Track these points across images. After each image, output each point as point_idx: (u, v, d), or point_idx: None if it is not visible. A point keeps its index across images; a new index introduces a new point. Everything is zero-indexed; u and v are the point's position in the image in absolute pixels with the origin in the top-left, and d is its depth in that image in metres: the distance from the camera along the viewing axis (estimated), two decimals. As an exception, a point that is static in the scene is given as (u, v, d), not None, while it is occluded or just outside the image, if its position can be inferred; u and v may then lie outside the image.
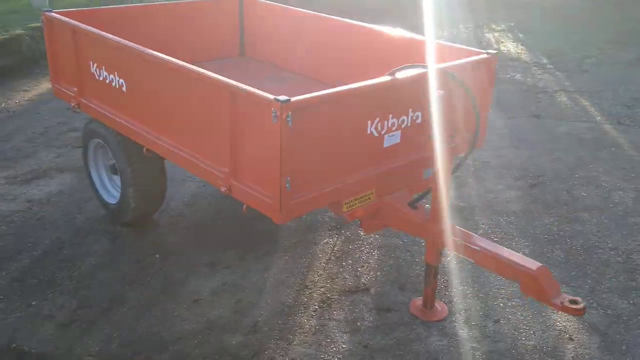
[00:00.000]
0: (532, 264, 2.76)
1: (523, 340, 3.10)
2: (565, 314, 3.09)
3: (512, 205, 4.52)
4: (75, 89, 3.95)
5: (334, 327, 3.17)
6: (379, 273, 3.65)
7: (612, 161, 5.40)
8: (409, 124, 3.14)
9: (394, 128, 3.07)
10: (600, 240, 4.05)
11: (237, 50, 5.11)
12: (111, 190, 4.24)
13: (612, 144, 5.81)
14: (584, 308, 2.64)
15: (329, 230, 4.13)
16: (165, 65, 3.13)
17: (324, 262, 3.75)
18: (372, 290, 3.49)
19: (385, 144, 3.08)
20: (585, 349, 3.04)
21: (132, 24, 4.38)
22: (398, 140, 3.12)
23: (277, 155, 2.59)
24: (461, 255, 3.00)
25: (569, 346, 3.06)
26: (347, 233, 4.08)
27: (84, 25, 3.74)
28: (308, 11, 4.67)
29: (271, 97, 2.54)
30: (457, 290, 3.48)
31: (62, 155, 5.31)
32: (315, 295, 3.44)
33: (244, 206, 2.96)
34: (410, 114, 3.13)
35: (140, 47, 3.30)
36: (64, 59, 4.02)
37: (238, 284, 3.53)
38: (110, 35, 3.51)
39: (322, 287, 3.51)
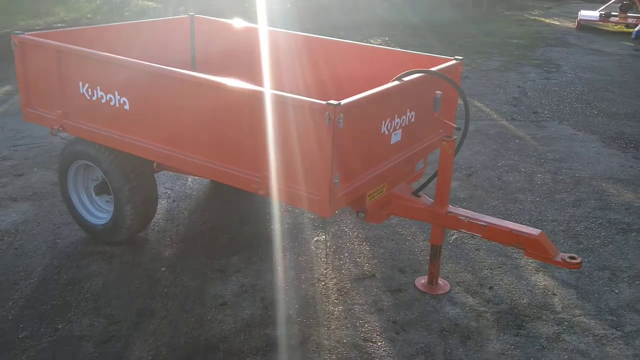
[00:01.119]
0: (534, 231, 3.30)
1: (517, 300, 3.64)
2: (544, 273, 3.68)
3: (459, 193, 5.12)
4: (58, 111, 3.91)
5: (360, 310, 3.50)
6: (376, 261, 4.03)
7: (522, 151, 6.24)
8: (407, 123, 3.57)
9: (397, 127, 3.48)
10: (541, 215, 4.75)
11: (189, 65, 5.24)
12: (94, 212, 4.22)
13: (515, 137, 6.68)
14: (581, 262, 3.22)
15: (314, 229, 4.44)
16: (196, 82, 3.28)
17: (324, 257, 4.06)
18: (378, 276, 3.86)
19: (392, 141, 3.48)
20: (568, 300, 3.65)
21: (87, 43, 4.35)
22: (400, 138, 3.54)
23: (329, 154, 2.89)
24: (467, 232, 3.47)
25: (555, 299, 3.65)
26: (332, 230, 4.42)
27: (74, 46, 3.75)
28: (253, 25, 4.99)
29: (323, 102, 2.84)
30: (448, 268, 3.95)
31: (6, 184, 5.09)
32: (330, 285, 3.74)
33: (284, 205, 3.21)
34: (408, 113, 3.57)
35: (161, 65, 3.41)
36: (41, 82, 3.97)
37: (255, 284, 3.73)
38: (117, 56, 3.58)
39: (333, 278, 3.82)
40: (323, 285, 3.75)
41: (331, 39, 4.73)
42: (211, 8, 11.08)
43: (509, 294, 3.69)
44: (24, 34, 3.97)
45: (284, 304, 3.55)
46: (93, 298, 3.57)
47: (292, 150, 3.06)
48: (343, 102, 2.86)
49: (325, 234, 4.35)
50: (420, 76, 3.48)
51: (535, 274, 3.92)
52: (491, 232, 3.40)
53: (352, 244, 4.24)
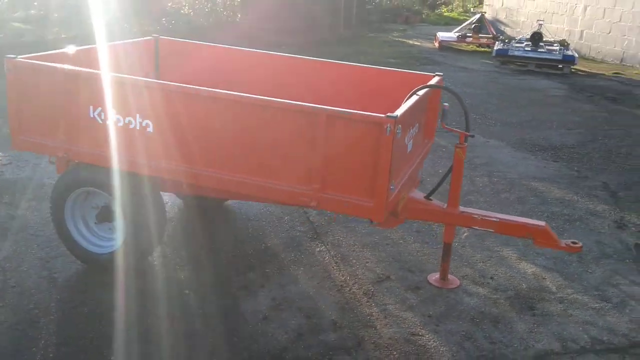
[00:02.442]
0: (540, 223, 3.80)
1: (518, 285, 4.12)
2: (529, 261, 4.22)
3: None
4: (62, 137, 3.75)
5: (394, 309, 3.77)
6: (384, 264, 4.31)
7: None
8: (414, 134, 3.93)
9: (410, 138, 3.82)
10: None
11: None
12: (95, 241, 4.06)
13: (440, 146, 7.30)
14: (582, 246, 3.76)
15: (310, 241, 4.62)
16: (240, 101, 3.37)
17: (335, 265, 4.26)
18: (392, 277, 4.15)
19: (408, 150, 3.81)
20: (557, 282, 4.19)
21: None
22: (411, 148, 3.88)
23: (388, 163, 3.16)
24: (479, 228, 3.88)
25: (547, 282, 4.18)
26: (328, 240, 4.63)
27: (85, 69, 3.65)
28: (217, 45, 5.11)
29: (382, 115, 3.11)
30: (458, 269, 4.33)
31: (-41, 222, 4.68)
32: (355, 290, 3.96)
33: (334, 215, 3.40)
34: (416, 125, 3.93)
35: (205, 88, 3.45)
36: (39, 107, 3.78)
37: (285, 296, 3.85)
38: (144, 78, 3.55)
39: (354, 283, 4.04)
40: (349, 290, 3.95)
41: (296, 57, 4.98)
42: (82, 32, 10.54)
43: (509, 282, 4.16)
44: (17, 57, 3.76)
45: (322, 311, 3.71)
46: (127, 327, 3.47)
47: (346, 161, 3.27)
48: (398, 114, 3.14)
49: (324, 245, 4.54)
50: (428, 90, 3.85)
51: (519, 262, 4.44)
52: (502, 227, 3.83)
53: (354, 251, 4.48)
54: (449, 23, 24.60)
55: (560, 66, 13.38)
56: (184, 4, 15.77)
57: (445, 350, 3.38)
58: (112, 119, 3.63)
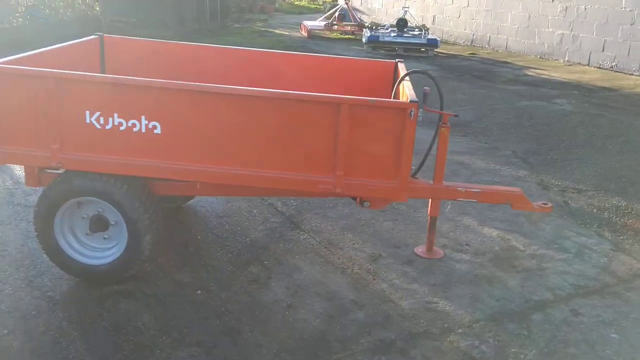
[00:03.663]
0: (515, 189, 4.26)
1: (491, 248, 4.58)
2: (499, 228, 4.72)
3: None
4: (54, 146, 3.53)
5: (401, 282, 4.04)
6: (370, 244, 4.56)
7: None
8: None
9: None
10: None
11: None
12: (89, 253, 3.86)
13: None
14: (552, 206, 4.28)
15: (292, 230, 4.73)
16: (258, 96, 3.41)
17: (327, 251, 4.43)
18: (384, 255, 4.41)
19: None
20: (520, 241, 4.71)
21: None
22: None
23: (411, 145, 3.41)
24: (463, 200, 4.25)
25: (513, 242, 4.69)
26: (307, 227, 4.77)
27: (83, 72, 3.47)
28: (163, 41, 5.04)
29: (407, 100, 3.35)
30: (423, 238, 4.67)
31: None
32: (357, 270, 4.16)
33: (357, 199, 3.59)
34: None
35: (210, 84, 3.43)
36: (23, 116, 3.52)
37: (298, 284, 3.95)
38: (152, 79, 3.45)
39: (353, 264, 4.24)
40: (352, 271, 4.15)
41: (241, 49, 5.07)
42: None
43: (483, 246, 4.60)
44: (-6, 64, 3.46)
45: (338, 293, 3.87)
46: (162, 333, 3.40)
47: (370, 146, 3.46)
48: (414, 99, 3.40)
49: (305, 232, 4.69)
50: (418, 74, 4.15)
51: (482, 228, 4.91)
52: (484, 197, 4.22)
53: (336, 235, 4.67)
54: (303, 12, 25.25)
55: (423, 49, 14.39)
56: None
57: (463, 312, 3.72)
58: (114, 123, 3.49)
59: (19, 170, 5.67)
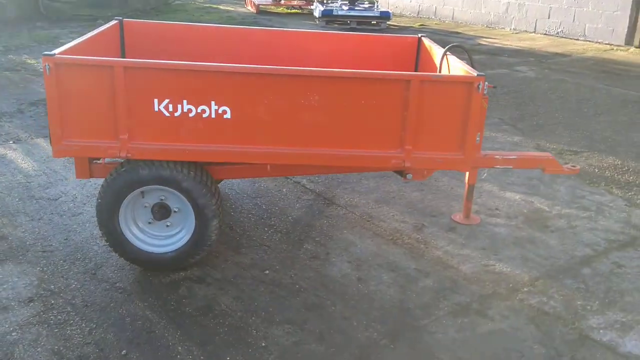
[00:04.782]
0: (546, 154, 4.52)
1: (520, 211, 4.85)
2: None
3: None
4: (122, 136, 3.47)
5: (453, 249, 4.23)
6: (407, 214, 4.73)
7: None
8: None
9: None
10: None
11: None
12: (154, 242, 3.84)
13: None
14: (579, 168, 4.57)
15: (328, 206, 4.84)
16: (329, 76, 3.47)
17: (370, 223, 4.56)
18: (426, 224, 4.59)
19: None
20: (543, 202, 5.01)
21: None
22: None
23: (478, 117, 3.58)
24: (500, 167, 4.48)
25: (537, 204, 4.98)
26: (343, 203, 4.89)
27: (151, 60, 3.41)
28: (181, 23, 4.99)
29: (474, 73, 3.51)
30: (457, 208, 4.90)
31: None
32: (407, 240, 4.33)
33: (425, 172, 3.75)
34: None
35: (284, 67, 3.46)
36: (90, 107, 3.44)
37: (357, 257, 4.08)
38: (222, 64, 3.44)
39: (401, 235, 4.40)
40: (403, 241, 4.32)
41: (257, 29, 5.10)
42: None
43: (512, 210, 4.87)
44: (55, 54, 3.35)
45: (399, 263, 4.03)
46: (249, 314, 3.46)
47: (437, 120, 3.60)
48: (479, 73, 3.56)
49: (343, 208, 4.80)
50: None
51: (504, 192, 5.18)
52: (520, 163, 4.46)
53: (373, 208, 4.82)
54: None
55: (375, 22, 14.58)
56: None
57: (520, 272, 3.96)
58: (183, 109, 3.46)
59: (24, 163, 5.48)
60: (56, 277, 3.77)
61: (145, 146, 3.52)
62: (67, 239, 4.23)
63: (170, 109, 3.47)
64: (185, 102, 3.46)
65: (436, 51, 4.57)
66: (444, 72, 4.15)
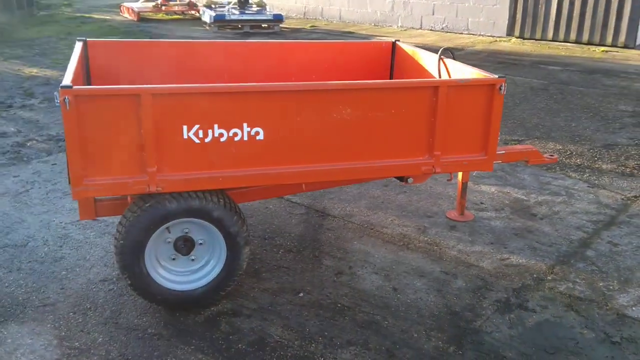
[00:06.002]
0: (530, 147, 4.76)
1: (503, 203, 5.07)
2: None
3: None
4: (151, 169, 3.18)
5: (464, 247, 4.33)
6: (405, 218, 4.77)
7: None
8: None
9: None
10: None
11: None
12: (182, 279, 3.56)
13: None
14: (557, 157, 4.87)
15: (324, 219, 4.76)
16: (366, 88, 3.41)
17: (374, 231, 4.55)
18: (427, 225, 4.66)
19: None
20: (520, 192, 5.27)
21: None
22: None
23: (500, 117, 3.70)
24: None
25: (515, 194, 5.23)
26: (337, 214, 4.83)
27: (177, 85, 3.16)
28: (147, 40, 4.71)
29: (495, 75, 3.62)
30: (446, 206, 5.02)
31: None
32: (418, 244, 4.37)
33: (451, 175, 3.80)
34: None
35: (317, 82, 3.34)
36: (115, 141, 3.11)
37: (382, 267, 4.05)
38: (256, 84, 3.26)
39: (410, 239, 4.43)
40: (414, 245, 4.34)
41: (233, 42, 4.92)
42: None
43: (496, 203, 5.08)
44: (72, 87, 2.98)
45: (423, 268, 4.06)
46: (306, 341, 3.32)
47: (463, 123, 3.66)
48: (500, 75, 3.68)
49: (340, 219, 4.75)
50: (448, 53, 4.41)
51: (478, 187, 5.38)
52: (507, 157, 4.65)
53: (369, 215, 4.80)
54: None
55: (265, 25, 14.53)
56: None
57: (536, 262, 4.14)
58: (215, 134, 3.24)
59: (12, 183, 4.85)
60: (75, 332, 3.37)
61: (176, 177, 3.24)
62: (63, 287, 3.80)
63: (201, 134, 3.23)
64: (216, 126, 3.24)
65: (411, 55, 4.70)
66: (444, 76, 4.21)
